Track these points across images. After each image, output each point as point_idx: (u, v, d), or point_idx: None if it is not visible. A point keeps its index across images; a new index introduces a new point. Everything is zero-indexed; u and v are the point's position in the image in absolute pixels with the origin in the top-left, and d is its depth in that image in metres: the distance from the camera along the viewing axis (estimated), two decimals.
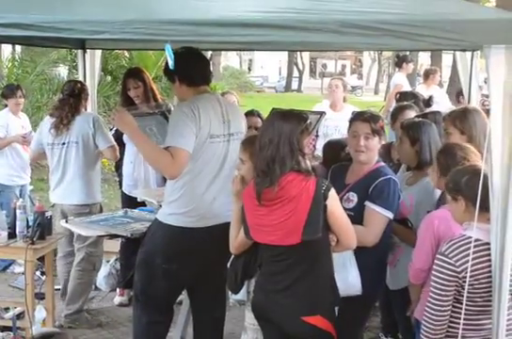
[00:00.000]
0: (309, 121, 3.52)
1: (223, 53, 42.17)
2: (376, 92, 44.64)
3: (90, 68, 6.21)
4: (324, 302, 3.49)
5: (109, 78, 13.35)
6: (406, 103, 6.05)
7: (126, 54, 13.88)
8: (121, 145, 5.73)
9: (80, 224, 4.82)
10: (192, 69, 4.00)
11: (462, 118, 4.35)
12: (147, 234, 4.30)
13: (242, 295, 3.82)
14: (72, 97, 5.49)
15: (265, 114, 4.60)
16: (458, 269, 3.14)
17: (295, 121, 3.42)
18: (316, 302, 3.46)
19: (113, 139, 5.51)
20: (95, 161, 5.66)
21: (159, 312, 4.31)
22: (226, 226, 3.78)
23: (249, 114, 5.71)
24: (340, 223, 3.48)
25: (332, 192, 3.43)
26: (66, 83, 5.82)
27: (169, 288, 4.27)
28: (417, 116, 5.16)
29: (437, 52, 19.95)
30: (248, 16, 3.17)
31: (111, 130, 5.79)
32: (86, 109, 5.80)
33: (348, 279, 3.74)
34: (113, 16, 3.30)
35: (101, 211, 5.71)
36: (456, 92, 8.50)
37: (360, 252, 3.74)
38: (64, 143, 5.47)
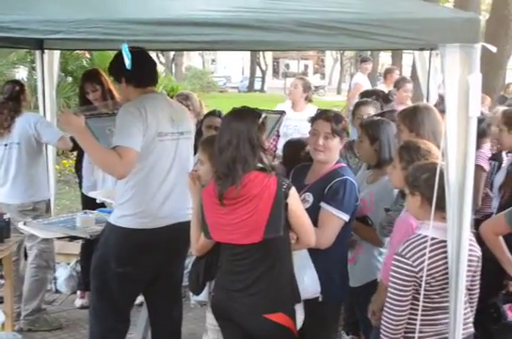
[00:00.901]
0: (264, 115, 3.51)
1: (185, 53, 42.13)
2: (339, 92, 44.88)
3: (49, 69, 6.13)
4: (285, 300, 3.50)
5: (70, 79, 13.21)
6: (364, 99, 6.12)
7: (87, 54, 13.75)
8: None
9: (38, 226, 4.78)
10: (140, 70, 3.95)
11: (411, 116, 4.36)
12: (100, 238, 4.26)
13: (203, 296, 3.80)
14: (11, 100, 5.49)
15: None
16: (416, 269, 3.16)
17: (250, 119, 3.43)
18: (278, 300, 3.47)
19: (60, 131, 5.42)
20: (38, 160, 5.62)
21: (116, 319, 4.26)
22: (180, 226, 3.78)
23: (211, 114, 5.70)
24: (301, 222, 3.50)
25: (293, 190, 3.45)
26: (5, 84, 5.76)
27: (126, 292, 4.22)
28: (375, 115, 5.20)
29: (397, 51, 20.12)
30: (205, 15, 3.15)
31: None
32: (32, 107, 5.76)
33: (305, 281, 3.73)
34: (69, 15, 3.25)
35: (48, 209, 5.67)
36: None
37: (318, 254, 3.75)
38: (6, 144, 5.47)
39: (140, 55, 4.10)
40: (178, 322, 4.49)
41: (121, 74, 4.09)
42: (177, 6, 3.43)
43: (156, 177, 4.09)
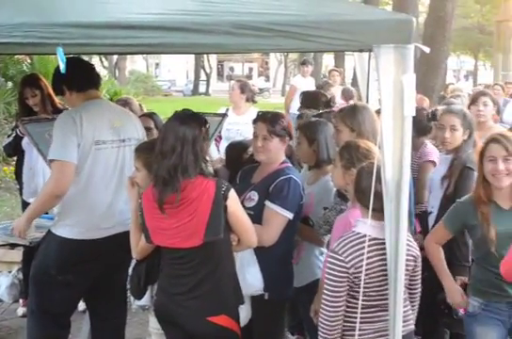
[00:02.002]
0: (208, 126, 3.52)
1: (129, 57, 41.82)
2: (283, 94, 44.91)
3: None
4: (228, 302, 3.51)
5: (10, 84, 13.01)
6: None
7: (28, 59, 13.54)
8: (21, 152, 5.61)
9: None
10: (77, 73, 3.94)
11: (351, 115, 4.40)
12: (40, 245, 4.20)
13: (145, 300, 3.78)
14: None
15: None
16: (348, 265, 3.19)
17: (196, 127, 3.41)
18: (220, 302, 3.48)
19: None
20: None
21: (57, 326, 4.21)
22: (126, 234, 3.74)
23: (143, 115, 5.66)
24: (241, 223, 3.51)
25: (232, 192, 3.45)
26: None
27: (67, 299, 4.19)
28: (313, 116, 5.25)
29: (340, 53, 20.34)
30: (142, 18, 3.13)
31: (9, 136, 5.68)
32: None
33: (248, 279, 3.76)
34: (3, 19, 3.19)
35: None
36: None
37: (263, 252, 3.77)
38: None
39: (75, 59, 4.08)
40: (121, 327, 4.46)
41: (62, 83, 4.09)
42: (113, 9, 3.41)
43: (95, 186, 4.06)
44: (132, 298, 3.93)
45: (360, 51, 5.98)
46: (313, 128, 4.48)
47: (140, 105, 6.67)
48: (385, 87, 3.01)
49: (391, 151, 3.02)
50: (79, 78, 4.05)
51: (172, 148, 3.33)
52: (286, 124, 4.06)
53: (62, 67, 3.10)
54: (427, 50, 3.11)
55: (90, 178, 4.03)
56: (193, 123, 3.42)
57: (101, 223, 4.06)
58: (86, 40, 3.16)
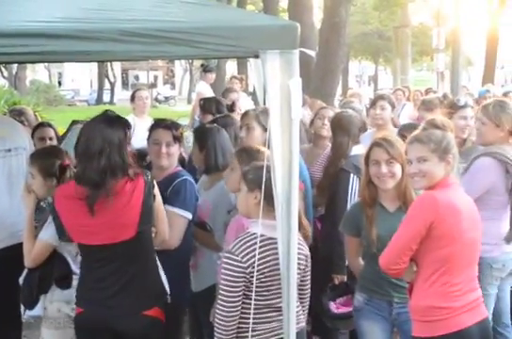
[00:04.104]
0: (131, 129, 3.57)
1: (30, 66, 40.87)
2: (189, 102, 44.90)
3: None
4: (158, 294, 3.57)
5: None
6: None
7: None
8: None
9: None
10: None
11: (265, 114, 4.43)
12: None
13: (38, 310, 3.72)
14: None
15: None
16: (245, 265, 3.23)
17: (121, 129, 3.43)
18: (152, 295, 3.53)
19: None
20: None
21: None
22: (18, 246, 3.67)
23: (41, 125, 5.56)
24: (161, 213, 3.60)
25: (156, 188, 3.54)
26: None
27: None
28: (210, 121, 5.28)
29: (243, 60, 20.48)
30: (26, 26, 3.08)
31: None
32: None
33: None
34: None
35: None
36: None
37: (163, 255, 3.78)
38: None
39: None
40: None
41: None
42: None
43: None
44: (23, 309, 3.86)
45: (256, 57, 6.09)
46: (203, 134, 4.53)
47: (36, 115, 6.57)
48: (272, 91, 3.05)
49: (280, 152, 3.07)
50: None
51: (100, 150, 3.31)
52: (182, 131, 4.16)
53: None
54: (313, 54, 3.20)
55: None
56: (118, 125, 3.44)
57: None
58: None
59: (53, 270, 3.56)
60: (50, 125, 5.59)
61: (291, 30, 3.10)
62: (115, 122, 3.44)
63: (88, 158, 3.33)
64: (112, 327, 3.45)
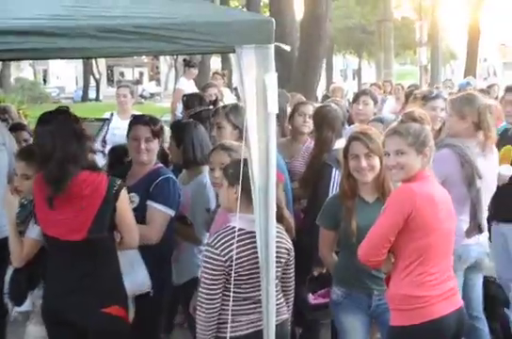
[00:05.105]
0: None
1: (15, 64, 40.64)
2: None
3: None
4: (117, 293, 3.58)
5: None
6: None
7: None
8: None
9: None
10: None
11: (235, 112, 4.49)
12: None
13: (26, 305, 3.75)
14: None
15: None
16: (224, 258, 3.27)
17: (59, 118, 3.49)
18: (110, 294, 3.54)
19: None
20: None
21: None
22: (2, 242, 3.68)
23: (13, 129, 5.54)
24: (126, 223, 3.57)
25: (123, 192, 3.53)
26: None
27: None
28: (190, 115, 5.31)
29: (226, 56, 20.47)
30: (8, 24, 3.09)
31: None
32: None
33: (138, 278, 3.81)
34: None
35: None
36: None
37: (145, 250, 3.81)
38: None
39: None
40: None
41: None
42: None
43: None
44: (10, 306, 3.89)
45: (223, 52, 6.12)
46: (180, 129, 4.56)
47: (19, 113, 6.59)
48: (248, 86, 3.09)
49: (256, 146, 3.11)
50: None
51: (53, 145, 3.35)
52: (161, 126, 4.16)
53: None
54: (288, 48, 3.24)
55: None
56: (54, 118, 3.51)
57: None
58: None
59: (40, 267, 3.59)
60: (22, 128, 5.60)
61: (266, 25, 3.13)
62: (51, 117, 3.52)
63: (46, 158, 3.38)
64: (73, 322, 3.48)
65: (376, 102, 6.28)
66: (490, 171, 4.52)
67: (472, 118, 4.44)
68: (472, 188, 4.19)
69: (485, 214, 4.46)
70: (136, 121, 4.24)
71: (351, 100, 7.23)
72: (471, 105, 4.47)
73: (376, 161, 3.83)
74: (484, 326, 4.70)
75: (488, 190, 4.49)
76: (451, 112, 4.56)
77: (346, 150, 3.91)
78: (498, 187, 4.91)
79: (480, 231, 4.07)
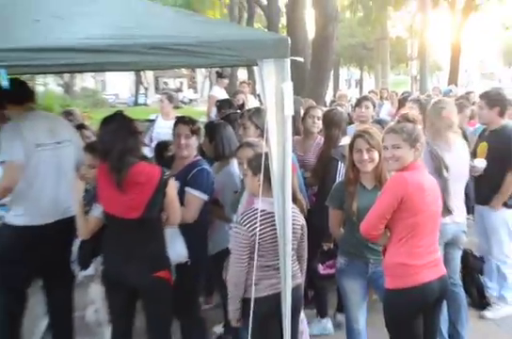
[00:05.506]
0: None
1: (79, 76, 40.91)
2: None
3: None
4: (164, 260, 3.63)
5: None
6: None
7: None
8: None
9: None
10: (15, 89, 3.86)
11: (257, 114, 4.49)
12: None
13: (90, 270, 3.81)
14: None
15: None
16: (249, 234, 3.31)
17: (118, 118, 3.57)
18: (158, 261, 3.59)
19: None
20: None
21: (13, 299, 4.09)
22: (65, 220, 3.71)
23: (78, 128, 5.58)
24: (172, 205, 3.60)
25: (172, 180, 3.57)
26: None
27: (20, 276, 4.06)
28: (221, 117, 5.33)
29: (251, 68, 20.36)
30: (69, 43, 3.11)
31: None
32: None
33: (176, 248, 3.83)
34: None
35: None
36: None
37: (185, 228, 3.83)
38: None
39: (12, 80, 4.02)
40: (70, 297, 4.36)
41: (3, 99, 4.00)
42: (46, 34, 3.33)
43: (39, 181, 4.00)
44: (77, 271, 3.93)
45: (248, 65, 6.09)
46: (212, 129, 4.61)
47: (82, 116, 6.66)
48: (269, 93, 3.09)
49: (275, 142, 3.11)
50: (16, 93, 3.97)
51: (114, 140, 3.42)
52: (199, 126, 4.17)
53: (5, 83, 3.03)
54: (301, 60, 3.22)
55: (37, 173, 3.98)
56: (113, 119, 3.57)
57: (45, 212, 4.00)
58: (26, 62, 3.11)
59: (101, 242, 3.64)
60: (85, 127, 5.63)
61: (283, 43, 3.11)
62: (111, 119, 3.57)
63: (107, 152, 3.44)
64: (128, 282, 3.52)
65: (374, 106, 6.26)
66: (458, 164, 4.45)
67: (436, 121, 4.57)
68: (441, 178, 4.15)
69: (456, 199, 4.39)
70: (179, 120, 4.26)
71: (354, 104, 7.18)
72: (433, 110, 4.65)
73: (376, 155, 3.83)
74: (460, 290, 4.69)
75: (457, 180, 4.43)
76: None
77: (351, 145, 3.92)
78: (475, 177, 4.86)
79: (449, 212, 4.04)
